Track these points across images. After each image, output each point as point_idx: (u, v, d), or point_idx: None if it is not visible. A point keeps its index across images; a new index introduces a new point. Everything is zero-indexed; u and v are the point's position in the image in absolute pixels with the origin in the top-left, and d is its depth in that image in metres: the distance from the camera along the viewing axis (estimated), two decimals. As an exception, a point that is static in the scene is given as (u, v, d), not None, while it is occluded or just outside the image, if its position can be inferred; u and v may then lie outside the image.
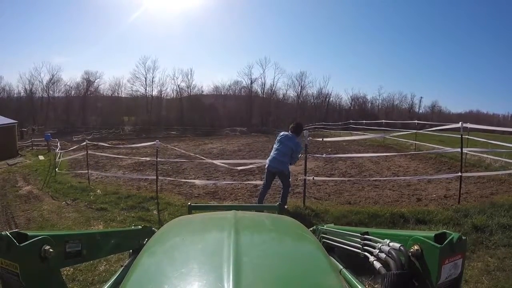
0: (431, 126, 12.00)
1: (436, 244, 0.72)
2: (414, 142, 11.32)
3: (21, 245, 0.78)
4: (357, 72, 73.09)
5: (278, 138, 4.94)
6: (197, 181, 7.02)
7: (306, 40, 75.44)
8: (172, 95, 50.76)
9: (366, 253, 0.92)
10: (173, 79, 49.65)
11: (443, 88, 72.39)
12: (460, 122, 5.37)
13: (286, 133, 4.98)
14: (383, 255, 0.81)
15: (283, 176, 4.84)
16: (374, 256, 0.86)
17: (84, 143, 9.12)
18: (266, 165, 4.92)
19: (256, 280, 0.72)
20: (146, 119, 45.40)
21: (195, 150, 13.72)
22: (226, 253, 0.79)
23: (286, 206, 4.83)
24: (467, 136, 7.81)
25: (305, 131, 5.41)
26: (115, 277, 1.10)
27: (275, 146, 4.93)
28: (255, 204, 4.42)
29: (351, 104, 54.63)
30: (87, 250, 1.05)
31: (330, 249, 1.26)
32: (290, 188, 5.19)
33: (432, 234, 0.76)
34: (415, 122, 12.85)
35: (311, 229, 1.43)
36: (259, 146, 15.03)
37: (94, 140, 15.63)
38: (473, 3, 65.19)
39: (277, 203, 4.13)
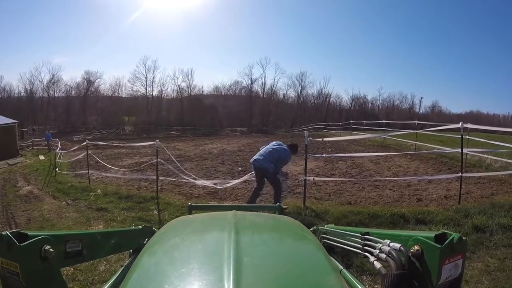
0: (431, 126, 11.96)
1: (437, 245, 0.72)
2: (414, 142, 11.32)
3: (21, 245, 0.78)
4: (357, 72, 73.23)
5: (272, 143, 5.00)
6: (197, 181, 7.02)
7: (306, 40, 75.66)
8: (172, 95, 50.82)
9: (366, 254, 0.92)
10: (174, 79, 49.74)
11: (443, 88, 72.45)
12: (461, 123, 5.37)
13: (281, 143, 5.04)
14: (383, 255, 0.81)
15: (268, 174, 4.82)
16: (374, 256, 0.85)
17: (85, 143, 9.13)
18: (251, 162, 4.95)
19: (256, 280, 0.72)
20: (146, 119, 45.42)
21: (196, 150, 13.71)
22: (226, 253, 0.79)
23: (286, 207, 4.84)
24: (467, 137, 7.80)
25: (305, 131, 5.45)
26: (115, 277, 1.10)
27: (265, 146, 4.96)
28: (255, 204, 4.42)
29: (351, 104, 54.68)
30: (87, 250, 1.05)
31: (331, 249, 1.25)
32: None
33: (432, 234, 0.76)
34: (416, 122, 12.84)
35: (311, 229, 1.43)
36: (259, 147, 14.99)
37: (94, 140, 15.62)
38: (473, 3, 65.25)
39: (277, 204, 4.14)
